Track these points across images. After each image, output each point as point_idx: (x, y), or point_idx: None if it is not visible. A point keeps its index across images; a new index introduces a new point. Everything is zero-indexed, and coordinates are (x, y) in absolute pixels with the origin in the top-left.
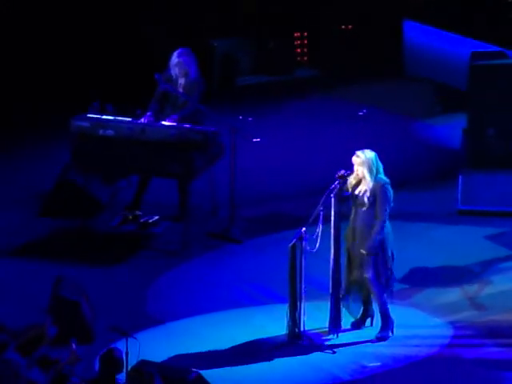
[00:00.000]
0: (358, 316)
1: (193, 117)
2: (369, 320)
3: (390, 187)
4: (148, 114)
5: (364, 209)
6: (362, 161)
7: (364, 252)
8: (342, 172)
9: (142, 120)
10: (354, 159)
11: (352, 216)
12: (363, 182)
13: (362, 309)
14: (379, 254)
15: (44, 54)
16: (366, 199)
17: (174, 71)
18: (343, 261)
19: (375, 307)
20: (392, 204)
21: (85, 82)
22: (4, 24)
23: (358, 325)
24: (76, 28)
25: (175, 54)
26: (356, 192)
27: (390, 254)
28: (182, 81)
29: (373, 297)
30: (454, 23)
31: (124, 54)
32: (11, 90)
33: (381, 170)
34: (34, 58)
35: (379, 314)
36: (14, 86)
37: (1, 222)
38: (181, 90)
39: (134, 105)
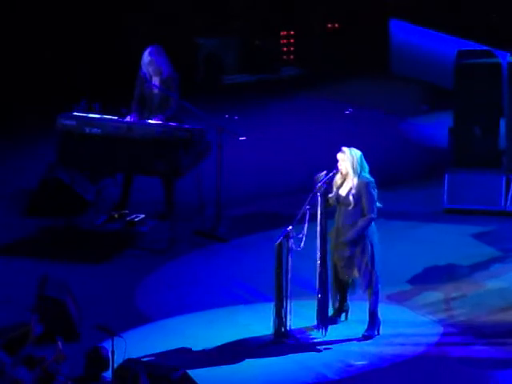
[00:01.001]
0: (334, 311)
1: (174, 115)
2: (343, 315)
3: (374, 186)
4: (133, 114)
5: (349, 208)
6: (347, 157)
7: (342, 240)
8: (322, 176)
9: (128, 119)
10: (339, 155)
11: (337, 215)
12: (347, 179)
13: (337, 304)
14: (363, 253)
15: (31, 53)
16: (350, 197)
17: (148, 70)
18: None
19: (350, 303)
20: (378, 204)
21: (71, 81)
22: None
23: (333, 319)
24: (62, 27)
25: (146, 52)
26: (340, 191)
27: (375, 254)
28: (156, 80)
29: (367, 296)
30: (440, 22)
31: (109, 52)
32: None
33: (366, 169)
34: (21, 56)
35: (367, 313)
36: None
37: None
38: (157, 87)
39: (120, 103)
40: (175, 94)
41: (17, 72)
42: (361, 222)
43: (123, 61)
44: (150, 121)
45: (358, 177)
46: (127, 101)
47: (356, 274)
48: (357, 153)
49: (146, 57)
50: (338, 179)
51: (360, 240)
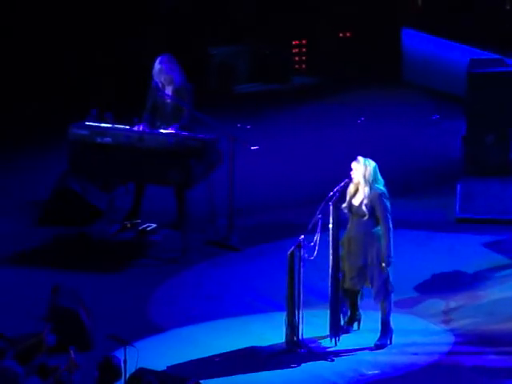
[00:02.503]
0: (346, 320)
1: (187, 125)
2: (356, 324)
3: (387, 197)
4: (143, 123)
5: (361, 219)
6: (360, 166)
7: (383, 265)
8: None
9: (137, 128)
10: (354, 164)
11: (349, 226)
12: (360, 189)
13: (349, 313)
14: (376, 263)
15: (43, 63)
16: (363, 208)
17: (160, 79)
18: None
19: (362, 312)
20: (390, 216)
21: (83, 91)
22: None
23: (345, 329)
24: (74, 37)
25: (156, 61)
26: (353, 201)
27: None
28: (169, 89)
29: (380, 306)
30: (452, 31)
31: (121, 62)
32: (9, 99)
33: (380, 182)
34: (33, 66)
35: (379, 322)
36: (11, 95)
37: None
38: (170, 97)
39: (132, 113)
40: (188, 103)
41: (28, 83)
42: (384, 240)
43: (135, 70)
44: (162, 130)
45: (370, 188)
46: (139, 110)
47: (368, 284)
48: (371, 163)
49: (157, 65)
50: (351, 188)
51: (373, 250)
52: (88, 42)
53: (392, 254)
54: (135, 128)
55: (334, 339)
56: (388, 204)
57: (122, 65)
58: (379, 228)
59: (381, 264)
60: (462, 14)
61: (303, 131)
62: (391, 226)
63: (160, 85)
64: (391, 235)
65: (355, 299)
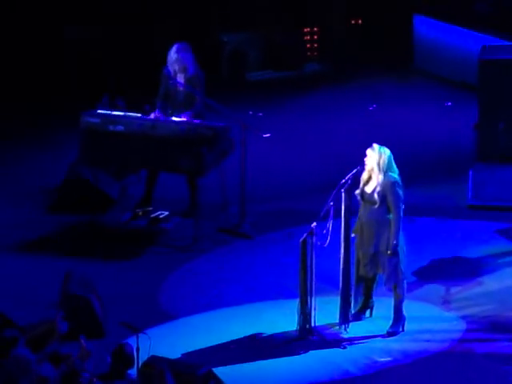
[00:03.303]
0: (358, 308)
1: (199, 113)
2: (368, 311)
3: (400, 185)
4: (157, 111)
5: (373, 206)
6: (375, 153)
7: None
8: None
9: (152, 116)
10: (369, 151)
11: (360, 212)
12: (373, 177)
13: (362, 300)
14: (388, 250)
15: (56, 49)
16: (375, 196)
17: (173, 67)
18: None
19: (375, 299)
20: (403, 205)
21: (95, 78)
22: (13, 14)
23: (357, 316)
24: (86, 25)
25: (172, 49)
26: (366, 189)
27: (400, 251)
28: (181, 77)
29: (392, 293)
30: (464, 17)
31: (133, 49)
32: (21, 87)
33: (394, 170)
34: (46, 52)
35: (392, 309)
36: (24, 83)
37: (11, 217)
38: (182, 84)
39: (143, 100)
40: (200, 91)
41: (40, 70)
42: (393, 227)
43: (146, 58)
44: (174, 118)
45: (384, 175)
46: (150, 98)
47: (380, 270)
48: (386, 151)
49: (173, 54)
50: (364, 175)
51: (385, 237)
52: (101, 31)
53: (401, 242)
54: (150, 115)
55: (343, 326)
56: (401, 193)
57: (134, 52)
58: (391, 216)
59: (393, 252)
60: (475, 0)
61: (315, 118)
62: (402, 215)
63: (172, 72)
64: (401, 225)
65: (370, 286)
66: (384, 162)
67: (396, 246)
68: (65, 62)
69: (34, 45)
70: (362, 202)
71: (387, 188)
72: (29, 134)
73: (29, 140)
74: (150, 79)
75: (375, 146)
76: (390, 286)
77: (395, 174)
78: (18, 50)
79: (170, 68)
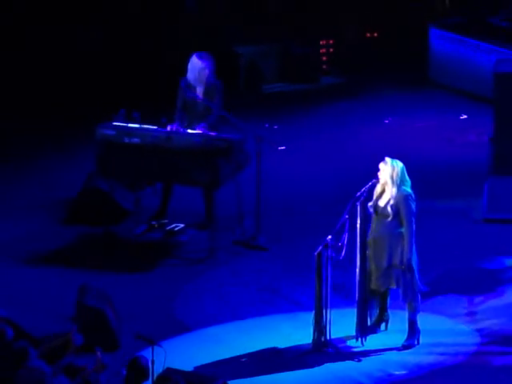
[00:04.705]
0: (373, 321)
1: (215, 125)
2: (383, 324)
3: (413, 199)
4: (176, 123)
5: (386, 219)
6: (388, 167)
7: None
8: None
9: (169, 128)
10: (381, 164)
11: (373, 226)
12: (386, 190)
13: (377, 314)
14: (401, 263)
15: (73, 62)
16: (389, 209)
17: (193, 76)
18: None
19: (390, 312)
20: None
21: (111, 90)
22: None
23: (373, 329)
24: (102, 37)
25: (193, 58)
26: (379, 202)
27: (413, 264)
28: (200, 87)
29: (407, 306)
30: (479, 31)
31: (149, 61)
32: (38, 98)
33: (407, 183)
34: (63, 64)
35: (407, 322)
36: (39, 94)
37: (26, 228)
38: (201, 96)
39: (159, 113)
40: (218, 102)
41: (57, 81)
42: (406, 242)
43: (162, 71)
44: (190, 130)
45: (398, 189)
46: (167, 110)
47: (393, 284)
48: (399, 164)
49: (197, 61)
50: (378, 188)
51: (398, 251)
52: (117, 42)
53: (414, 257)
54: (168, 128)
55: (360, 339)
56: (413, 206)
57: (149, 65)
58: (403, 229)
59: (408, 266)
60: (489, 14)
61: (330, 131)
62: (414, 228)
63: (192, 82)
64: (413, 238)
65: (383, 300)
66: (397, 174)
67: (410, 260)
68: (81, 73)
69: (50, 54)
70: (374, 216)
71: (400, 201)
72: (45, 145)
73: (44, 152)
74: (164, 92)
75: (387, 159)
76: (407, 300)
77: (408, 187)
78: (33, 60)
79: (190, 77)
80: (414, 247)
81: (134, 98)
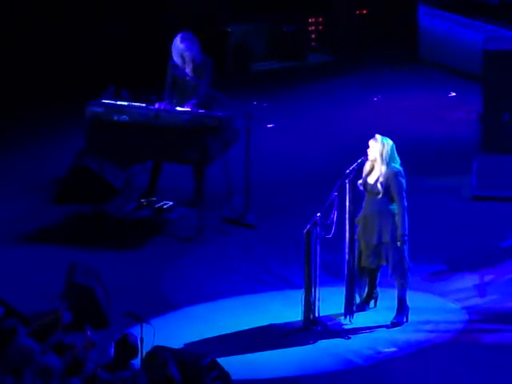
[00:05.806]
0: (363, 298)
1: (204, 102)
2: (372, 302)
3: (403, 175)
4: (165, 101)
5: (376, 197)
6: (378, 144)
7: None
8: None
9: (157, 106)
10: (371, 142)
11: (365, 202)
12: (376, 167)
13: (366, 291)
14: (392, 241)
15: (61, 40)
16: (379, 186)
17: (180, 57)
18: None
19: (379, 290)
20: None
21: (99, 68)
22: (16, 9)
23: (362, 307)
24: (90, 15)
25: (177, 39)
26: (369, 179)
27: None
28: (189, 66)
29: (396, 283)
30: (468, 8)
31: (137, 39)
32: (25, 76)
33: (396, 161)
34: (51, 43)
35: (396, 300)
36: (28, 72)
37: (15, 208)
38: (190, 74)
39: (148, 91)
40: (207, 79)
41: (44, 60)
42: (398, 218)
43: (152, 48)
44: (179, 108)
45: (387, 166)
46: (156, 88)
47: (383, 261)
48: (389, 142)
49: (179, 43)
50: (367, 166)
51: (388, 228)
52: (106, 22)
53: (406, 232)
54: (156, 106)
55: (348, 317)
56: (404, 182)
57: (139, 43)
58: (394, 206)
59: (395, 242)
60: None
61: (319, 109)
62: (406, 204)
63: (179, 62)
64: (406, 213)
65: (373, 277)
66: (387, 152)
67: (403, 236)
68: (71, 51)
69: (39, 33)
70: (365, 193)
71: (390, 178)
72: (33, 124)
73: (33, 130)
74: (155, 69)
75: (378, 136)
76: (396, 277)
77: (398, 165)
78: (23, 39)
79: (176, 58)
80: (406, 223)
81: (124, 76)
